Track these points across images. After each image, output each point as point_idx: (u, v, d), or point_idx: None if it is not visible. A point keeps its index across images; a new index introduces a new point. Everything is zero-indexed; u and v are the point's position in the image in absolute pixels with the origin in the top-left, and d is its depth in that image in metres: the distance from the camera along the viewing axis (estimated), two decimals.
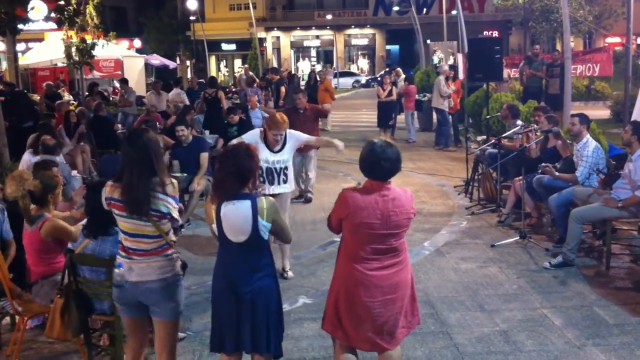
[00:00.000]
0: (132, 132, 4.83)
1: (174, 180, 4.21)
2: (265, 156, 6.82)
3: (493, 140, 9.78)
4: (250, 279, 4.05)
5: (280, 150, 6.96)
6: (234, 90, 26.68)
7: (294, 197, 9.87)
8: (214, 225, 4.09)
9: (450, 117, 16.26)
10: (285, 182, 7.05)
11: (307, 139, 7.37)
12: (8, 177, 6.30)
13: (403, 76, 20.37)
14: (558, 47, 34.95)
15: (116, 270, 4.20)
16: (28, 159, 8.88)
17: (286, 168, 7.02)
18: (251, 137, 7.01)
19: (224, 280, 4.11)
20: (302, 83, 25.42)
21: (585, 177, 7.69)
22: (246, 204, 4.00)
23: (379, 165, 4.01)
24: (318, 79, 20.72)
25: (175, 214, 4.15)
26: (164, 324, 4.21)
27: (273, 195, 7.03)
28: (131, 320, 4.30)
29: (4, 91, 16.45)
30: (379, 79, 19.39)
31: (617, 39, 41.36)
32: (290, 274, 7.20)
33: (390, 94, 16.91)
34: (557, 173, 7.93)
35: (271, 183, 6.96)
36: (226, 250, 4.11)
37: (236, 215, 3.99)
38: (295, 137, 7.12)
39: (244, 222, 3.99)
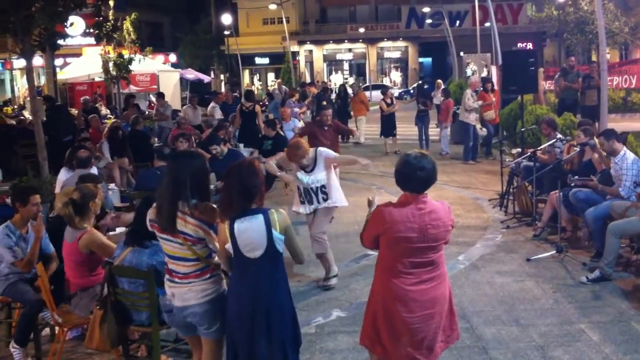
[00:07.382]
0: (182, 152, 4.90)
1: (213, 206, 4.17)
2: (301, 177, 7.21)
3: (528, 153, 9.70)
4: (266, 293, 4.04)
5: (312, 170, 7.23)
6: (267, 103, 26.87)
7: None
8: (228, 245, 4.04)
9: (486, 128, 16.09)
10: (325, 199, 7.33)
11: (337, 157, 7.57)
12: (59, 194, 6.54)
13: (442, 88, 20.29)
14: (594, 58, 34.52)
15: (161, 297, 4.35)
16: (64, 175, 9.00)
17: (323, 186, 7.29)
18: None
19: (239, 299, 4.07)
20: (333, 96, 25.63)
21: (629, 191, 7.57)
22: (259, 219, 4.01)
23: (415, 175, 3.96)
24: (350, 91, 20.89)
25: (212, 244, 4.13)
26: (208, 342, 4.27)
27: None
28: (190, 337, 4.46)
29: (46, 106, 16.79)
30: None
31: None
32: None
33: (392, 103, 18.00)
34: (600, 185, 7.84)
35: (310, 202, 7.36)
36: (241, 268, 4.07)
37: (251, 231, 3.99)
38: (325, 154, 7.33)
39: (260, 236, 3.99)
